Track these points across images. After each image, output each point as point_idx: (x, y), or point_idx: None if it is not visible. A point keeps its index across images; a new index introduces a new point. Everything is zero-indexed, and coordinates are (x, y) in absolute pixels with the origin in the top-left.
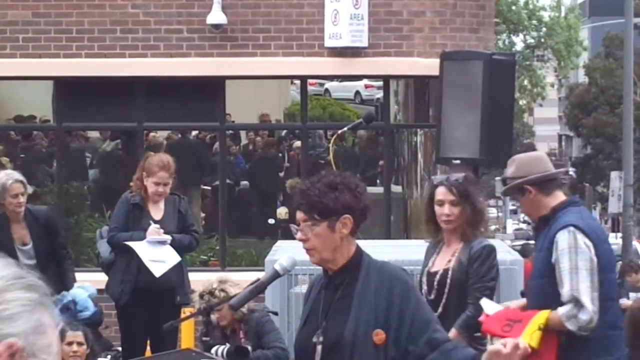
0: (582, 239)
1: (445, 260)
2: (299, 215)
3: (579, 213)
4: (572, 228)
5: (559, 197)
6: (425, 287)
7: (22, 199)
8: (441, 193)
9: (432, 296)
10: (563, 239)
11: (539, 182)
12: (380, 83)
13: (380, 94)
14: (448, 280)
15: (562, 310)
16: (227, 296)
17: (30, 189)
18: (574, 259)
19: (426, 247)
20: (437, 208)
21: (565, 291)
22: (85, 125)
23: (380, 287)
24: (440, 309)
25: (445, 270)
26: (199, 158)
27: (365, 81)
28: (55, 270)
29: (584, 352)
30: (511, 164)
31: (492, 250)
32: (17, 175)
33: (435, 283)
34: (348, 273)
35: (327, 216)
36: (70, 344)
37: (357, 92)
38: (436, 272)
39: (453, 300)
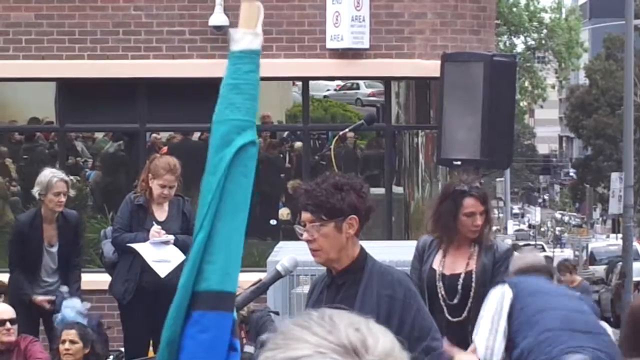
0: None
1: (462, 263)
2: (305, 216)
3: None
4: None
5: None
6: (442, 292)
7: (63, 199)
8: (472, 205)
9: (456, 300)
10: None
11: None
12: (353, 83)
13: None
14: (472, 284)
15: None
16: None
17: (72, 192)
18: None
19: (421, 243)
20: (465, 219)
21: None
22: (88, 126)
23: (382, 291)
24: (465, 314)
25: (468, 274)
26: (201, 159)
27: (338, 82)
28: (63, 275)
29: None
30: None
31: (513, 252)
32: (63, 174)
33: (460, 287)
34: (351, 274)
35: (334, 217)
36: (63, 342)
37: (327, 91)
38: (457, 275)
39: (475, 303)
